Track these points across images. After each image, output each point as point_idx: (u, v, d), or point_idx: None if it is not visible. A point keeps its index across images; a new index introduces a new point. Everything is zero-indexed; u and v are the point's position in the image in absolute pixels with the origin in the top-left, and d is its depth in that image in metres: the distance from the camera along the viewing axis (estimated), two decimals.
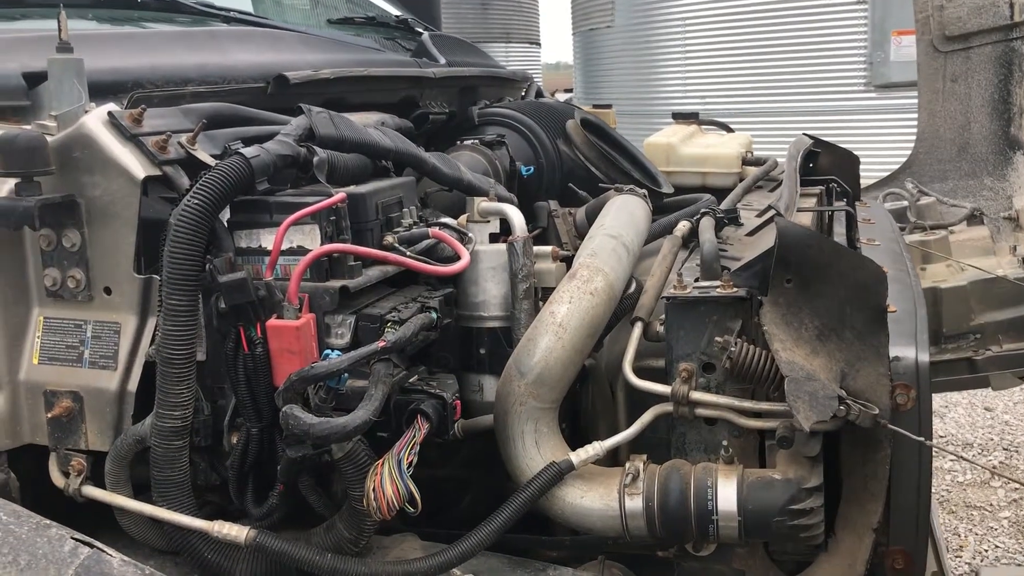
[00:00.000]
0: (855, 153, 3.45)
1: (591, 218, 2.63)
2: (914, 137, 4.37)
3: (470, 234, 1.99)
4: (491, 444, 1.89)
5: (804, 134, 3.59)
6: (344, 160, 1.90)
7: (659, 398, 1.84)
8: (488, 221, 2.11)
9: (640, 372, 1.87)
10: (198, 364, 1.70)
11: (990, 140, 4.12)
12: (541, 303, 2.01)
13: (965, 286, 3.60)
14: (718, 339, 1.79)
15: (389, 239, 1.85)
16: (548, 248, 2.09)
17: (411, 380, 1.78)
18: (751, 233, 2.32)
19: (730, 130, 4.02)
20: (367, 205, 1.83)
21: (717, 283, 1.85)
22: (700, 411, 1.81)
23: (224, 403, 1.76)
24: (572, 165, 2.86)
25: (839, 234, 2.53)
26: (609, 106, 3.94)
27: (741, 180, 3.38)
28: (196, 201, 1.62)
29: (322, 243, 1.71)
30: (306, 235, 1.72)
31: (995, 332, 3.59)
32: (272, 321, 1.65)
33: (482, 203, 2.11)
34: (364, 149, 1.99)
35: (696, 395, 1.81)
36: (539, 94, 3.72)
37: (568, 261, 2.09)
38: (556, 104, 3.30)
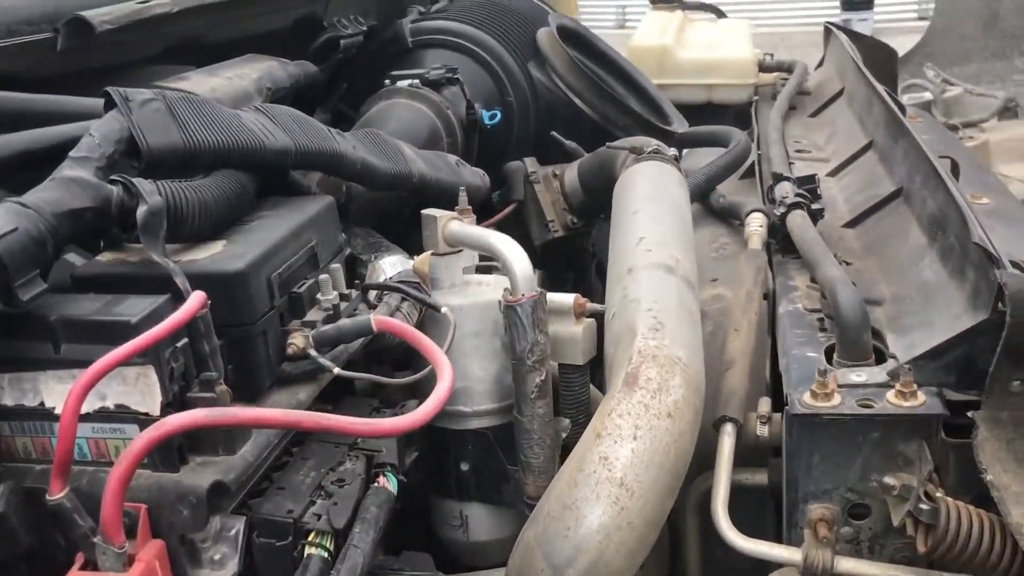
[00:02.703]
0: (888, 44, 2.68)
1: (588, 184, 1.82)
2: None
3: (433, 301, 1.15)
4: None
5: (827, 23, 2.80)
6: (203, 197, 1.01)
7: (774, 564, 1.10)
8: (459, 251, 1.28)
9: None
10: None
11: None
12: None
13: None
14: (890, 481, 1.03)
15: (298, 341, 1.01)
16: (568, 298, 1.24)
17: None
18: (852, 223, 1.51)
19: (722, 15, 3.14)
20: (251, 291, 0.96)
21: (878, 373, 1.08)
22: None
23: None
24: (552, 99, 1.98)
25: None
26: None
27: (756, 93, 2.57)
28: None
29: (164, 397, 0.86)
30: (131, 386, 0.86)
31: None
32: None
33: (450, 225, 1.25)
34: (241, 158, 1.09)
35: (846, 564, 1.07)
36: None
37: (599, 317, 1.27)
38: (517, 1, 2.27)
